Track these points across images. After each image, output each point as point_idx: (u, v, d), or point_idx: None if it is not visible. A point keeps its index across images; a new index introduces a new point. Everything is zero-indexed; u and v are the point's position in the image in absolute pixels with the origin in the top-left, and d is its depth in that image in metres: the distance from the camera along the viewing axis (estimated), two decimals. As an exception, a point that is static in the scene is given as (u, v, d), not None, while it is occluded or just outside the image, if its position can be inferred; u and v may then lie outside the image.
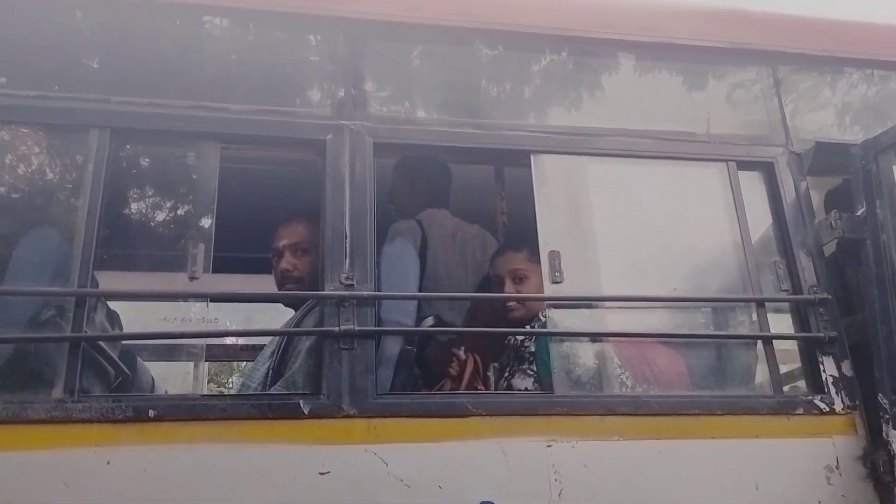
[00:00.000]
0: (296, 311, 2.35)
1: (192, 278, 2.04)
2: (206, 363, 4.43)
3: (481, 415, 1.99)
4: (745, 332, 2.30)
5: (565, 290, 2.20)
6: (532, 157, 2.31)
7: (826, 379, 2.21)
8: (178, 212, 2.31)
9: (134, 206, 2.41)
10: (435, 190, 2.79)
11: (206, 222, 2.12)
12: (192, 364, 2.51)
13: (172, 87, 2.20)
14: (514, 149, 2.36)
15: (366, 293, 2.06)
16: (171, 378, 2.77)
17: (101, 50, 2.25)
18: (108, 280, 2.42)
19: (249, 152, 2.59)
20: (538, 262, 2.30)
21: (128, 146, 2.22)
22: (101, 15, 2.23)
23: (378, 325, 2.11)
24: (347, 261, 2.09)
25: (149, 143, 2.22)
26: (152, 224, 2.48)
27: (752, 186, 2.43)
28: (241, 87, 2.25)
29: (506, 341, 2.45)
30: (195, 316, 2.26)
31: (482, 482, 1.93)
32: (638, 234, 2.37)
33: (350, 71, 2.30)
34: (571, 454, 1.98)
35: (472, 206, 3.27)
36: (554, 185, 2.31)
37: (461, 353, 2.34)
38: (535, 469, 1.95)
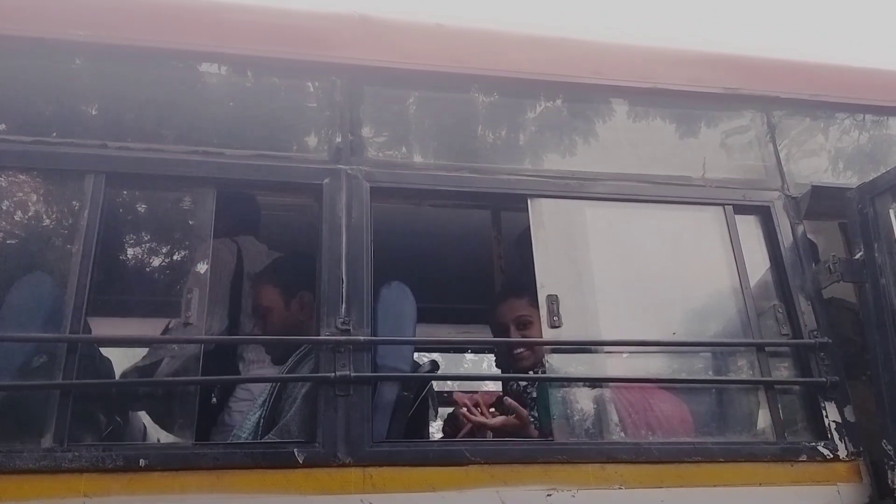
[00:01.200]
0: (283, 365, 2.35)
1: (186, 324, 2.01)
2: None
3: (479, 463, 1.95)
4: (745, 377, 2.27)
5: (564, 334, 2.18)
6: (529, 200, 2.31)
7: (829, 425, 2.18)
8: (174, 257, 2.30)
9: (129, 251, 2.40)
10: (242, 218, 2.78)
11: (202, 267, 2.10)
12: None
13: (169, 132, 2.21)
14: (511, 192, 2.36)
15: (362, 338, 2.03)
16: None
17: (98, 95, 2.25)
18: (102, 326, 2.40)
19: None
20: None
21: (124, 191, 2.21)
22: (98, 60, 2.24)
23: (374, 371, 2.09)
24: (343, 305, 2.07)
25: (144, 189, 2.22)
26: (147, 269, 2.47)
27: (749, 230, 2.42)
28: (238, 132, 2.25)
29: (509, 387, 2.42)
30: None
31: (481, 532, 1.88)
32: (636, 278, 2.36)
33: (347, 116, 2.30)
34: (572, 503, 1.94)
35: (469, 252, 3.28)
36: (551, 228, 2.31)
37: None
38: (536, 519, 1.91)
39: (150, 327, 2.43)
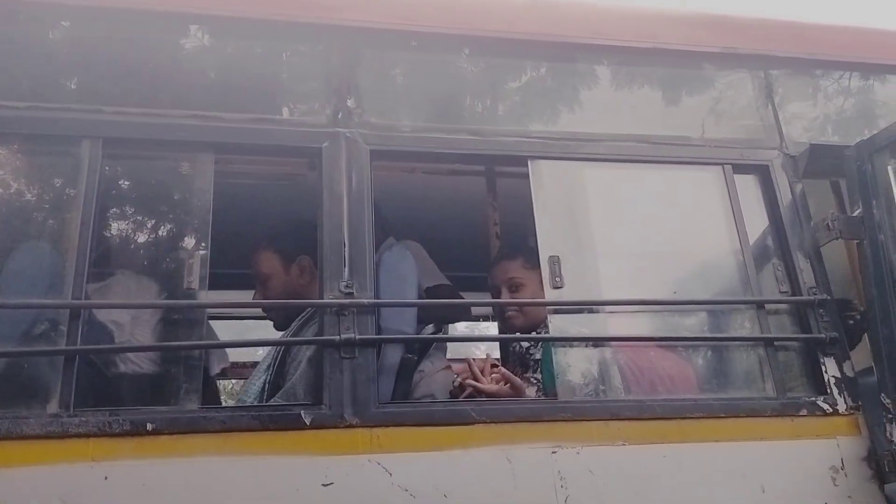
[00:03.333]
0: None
1: (188, 289, 2.01)
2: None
3: (485, 422, 1.97)
4: (745, 334, 2.29)
5: (566, 295, 2.19)
6: (529, 162, 2.31)
7: (828, 380, 2.20)
8: (173, 223, 2.28)
9: (127, 217, 2.37)
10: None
11: (202, 233, 2.09)
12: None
13: (166, 96, 2.18)
14: (511, 154, 2.36)
15: (366, 301, 2.03)
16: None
17: (94, 60, 2.22)
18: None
19: (244, 167, 2.58)
20: (534, 268, 2.29)
21: (121, 157, 2.19)
22: (93, 25, 2.21)
23: (378, 334, 2.09)
24: (346, 269, 2.07)
25: (142, 154, 2.19)
26: (146, 236, 2.45)
27: (748, 189, 2.43)
28: (236, 96, 2.23)
29: (511, 348, 2.44)
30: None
31: (487, 490, 1.91)
32: (636, 238, 2.37)
33: (345, 79, 2.29)
34: (577, 460, 1.96)
35: (465, 219, 3.28)
36: (552, 190, 2.31)
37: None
38: (541, 476, 1.93)
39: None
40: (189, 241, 2.10)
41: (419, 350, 2.32)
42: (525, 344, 2.44)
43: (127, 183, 2.37)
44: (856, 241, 2.34)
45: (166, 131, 2.12)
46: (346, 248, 2.08)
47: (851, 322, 2.37)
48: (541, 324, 2.39)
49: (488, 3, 2.52)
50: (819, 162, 2.45)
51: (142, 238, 2.44)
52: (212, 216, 2.09)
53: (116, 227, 2.44)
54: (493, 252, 2.95)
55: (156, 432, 1.82)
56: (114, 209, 2.36)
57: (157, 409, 1.94)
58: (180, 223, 2.24)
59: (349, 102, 2.26)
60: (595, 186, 2.37)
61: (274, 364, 2.18)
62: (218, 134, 2.14)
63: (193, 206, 2.12)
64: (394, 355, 2.16)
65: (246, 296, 2.65)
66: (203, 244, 2.07)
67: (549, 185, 2.31)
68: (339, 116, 2.24)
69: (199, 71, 2.26)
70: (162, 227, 2.35)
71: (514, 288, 2.49)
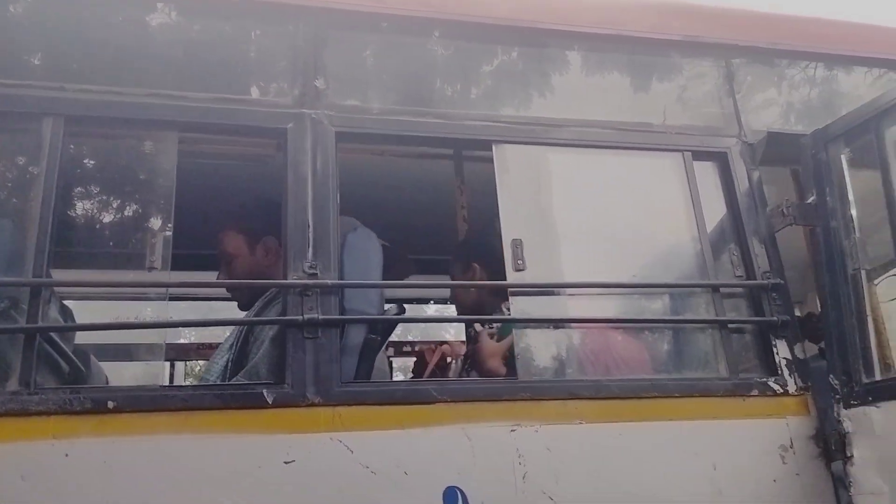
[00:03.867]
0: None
1: (150, 268, 2.01)
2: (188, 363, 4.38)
3: (446, 401, 2.00)
4: (701, 317, 2.35)
5: (527, 277, 2.22)
6: (494, 146, 2.33)
7: (779, 361, 2.27)
8: (136, 202, 2.27)
9: (90, 196, 2.36)
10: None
11: (165, 213, 2.09)
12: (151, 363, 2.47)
13: (129, 74, 2.16)
14: (475, 138, 2.38)
15: (329, 282, 2.05)
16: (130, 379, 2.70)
17: (57, 36, 2.19)
18: (62, 276, 2.36)
19: (208, 146, 2.57)
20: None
21: (84, 135, 2.17)
22: (55, 1, 2.18)
23: (342, 315, 2.11)
24: (311, 250, 2.08)
25: (105, 132, 2.17)
26: (108, 216, 2.44)
27: (707, 176, 2.48)
28: (201, 75, 2.22)
29: (468, 332, 2.48)
30: (153, 314, 2.22)
31: (447, 468, 1.94)
32: (597, 223, 2.41)
33: (312, 60, 2.29)
34: (535, 438, 2.01)
35: (433, 200, 3.30)
36: (515, 174, 2.33)
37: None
38: (500, 453, 1.97)
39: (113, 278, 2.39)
40: (152, 221, 2.10)
41: (383, 331, 2.34)
42: (478, 327, 2.49)
43: (89, 161, 2.35)
44: (809, 228, 2.40)
45: (130, 109, 2.10)
46: (311, 230, 2.10)
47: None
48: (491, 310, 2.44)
49: (456, -14, 2.53)
50: (776, 150, 2.51)
51: (104, 217, 2.42)
52: (176, 195, 2.08)
53: (79, 206, 2.43)
54: (461, 235, 2.98)
55: (117, 410, 1.83)
56: (76, 187, 2.35)
57: (119, 388, 1.94)
58: (143, 202, 2.23)
59: (316, 83, 2.26)
60: (558, 171, 2.41)
61: (237, 343, 2.19)
62: (182, 113, 2.13)
63: (157, 186, 2.12)
64: (357, 336, 2.18)
65: (210, 277, 2.65)
66: (166, 224, 2.08)
67: (513, 169, 2.34)
68: (305, 97, 2.24)
69: (165, 49, 2.24)
70: (125, 206, 2.34)
71: None
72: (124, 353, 2.65)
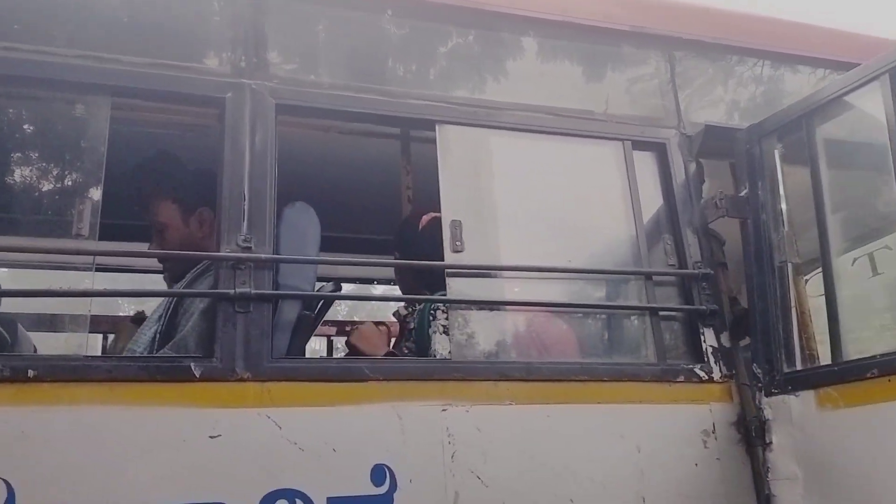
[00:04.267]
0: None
1: (77, 236, 1.95)
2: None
3: (378, 379, 2.00)
4: (633, 303, 2.40)
5: (465, 259, 2.23)
6: (437, 126, 2.33)
7: (706, 349, 2.33)
8: (65, 168, 2.19)
9: (14, 160, 2.26)
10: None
11: (95, 180, 2.02)
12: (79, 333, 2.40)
13: (61, 33, 2.08)
14: (419, 118, 2.37)
15: (263, 256, 2.02)
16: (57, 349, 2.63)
17: (-19, -10, 2.10)
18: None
19: (144, 113, 2.49)
20: None
21: (10, 96, 2.09)
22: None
23: (276, 290, 2.09)
24: (245, 223, 2.05)
25: (33, 93, 2.09)
26: (34, 182, 2.35)
27: (646, 165, 2.52)
28: (136, 38, 2.15)
29: (394, 314, 2.49)
30: (81, 284, 2.15)
31: (376, 446, 1.95)
32: (537, 207, 2.42)
33: (253, 29, 2.24)
34: (465, 418, 2.02)
35: (378, 180, 3.28)
36: (457, 155, 2.33)
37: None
38: (430, 433, 1.99)
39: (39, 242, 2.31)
40: (81, 187, 2.03)
41: (318, 308, 2.32)
42: (403, 312, 2.50)
43: (15, 123, 2.26)
44: (741, 220, 2.46)
45: (59, 70, 2.03)
46: (246, 202, 2.06)
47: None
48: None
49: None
50: (713, 143, 2.56)
51: (31, 181, 2.33)
52: (109, 163, 2.02)
53: (3, 170, 2.33)
54: (405, 215, 2.97)
55: (37, 379, 1.78)
56: (0, 149, 2.25)
57: (40, 356, 1.89)
58: (72, 168, 2.16)
59: (257, 53, 2.22)
60: (500, 154, 2.41)
61: (166, 315, 2.15)
62: (115, 77, 2.06)
63: (87, 151, 2.05)
64: (291, 312, 2.16)
65: (142, 248, 2.58)
66: (95, 191, 2.01)
67: (455, 151, 2.34)
68: (246, 67, 2.19)
69: (101, 9, 2.16)
70: (53, 171, 2.26)
71: None
72: (50, 322, 2.58)
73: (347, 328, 4.54)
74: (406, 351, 2.40)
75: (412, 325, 2.46)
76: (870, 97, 2.15)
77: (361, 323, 2.58)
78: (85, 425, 1.78)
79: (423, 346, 2.25)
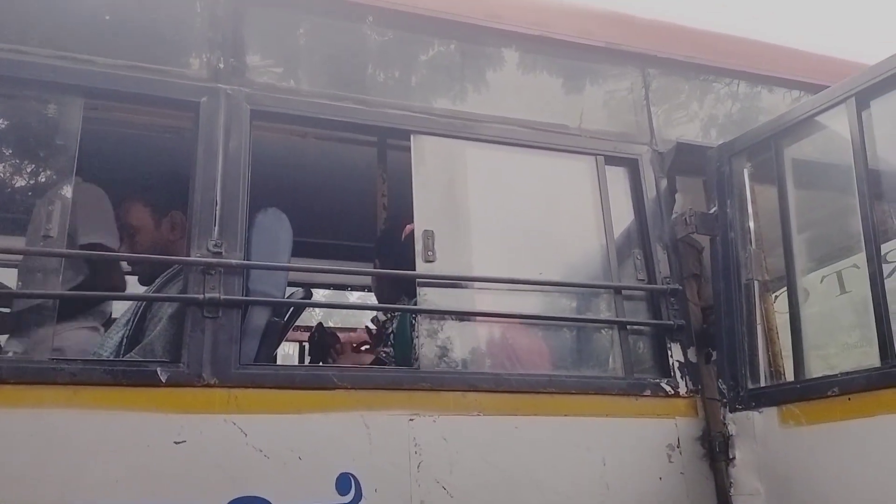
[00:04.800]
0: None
1: (46, 237, 1.93)
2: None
3: (346, 388, 2.00)
4: (602, 317, 2.42)
5: (437, 269, 2.24)
6: (412, 137, 2.34)
7: (673, 364, 2.36)
8: (35, 169, 2.17)
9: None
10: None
11: (65, 181, 2.00)
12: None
13: (35, 33, 2.07)
14: (394, 127, 2.38)
15: (234, 262, 2.02)
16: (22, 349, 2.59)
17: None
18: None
19: (118, 114, 2.48)
20: None
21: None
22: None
23: (246, 296, 2.08)
24: (216, 228, 2.04)
25: (6, 93, 2.07)
26: (4, 181, 2.33)
27: (618, 181, 2.55)
28: (111, 40, 2.14)
29: (372, 320, 2.49)
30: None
31: (342, 454, 1.95)
32: (510, 219, 2.44)
33: (230, 34, 2.24)
34: (432, 428, 2.03)
35: (354, 187, 3.29)
36: (432, 166, 2.35)
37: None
38: (396, 442, 1.99)
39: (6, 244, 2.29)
40: (50, 188, 2.01)
41: (287, 314, 2.32)
42: (382, 317, 2.50)
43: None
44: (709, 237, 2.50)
45: (32, 70, 2.01)
46: (218, 207, 2.06)
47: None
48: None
49: (386, -26, 2.51)
50: (685, 160, 2.60)
51: (1, 179, 2.32)
52: (82, 163, 2.00)
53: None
54: (380, 224, 2.98)
55: (1, 381, 1.76)
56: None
57: (4, 358, 1.87)
58: (43, 168, 2.14)
59: (232, 59, 2.22)
60: (474, 166, 2.43)
61: (134, 319, 2.13)
62: (88, 78, 2.05)
63: (57, 151, 2.03)
64: (260, 318, 2.15)
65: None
66: (66, 192, 2.00)
67: (429, 161, 2.35)
68: (221, 72, 2.19)
69: (72, 9, 2.14)
70: (23, 171, 2.24)
71: None
72: (15, 322, 2.54)
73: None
74: (384, 355, 2.41)
75: (390, 330, 2.47)
76: (836, 119, 2.20)
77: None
78: (49, 428, 1.76)
79: (401, 352, 2.25)
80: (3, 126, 2.22)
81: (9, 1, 2.11)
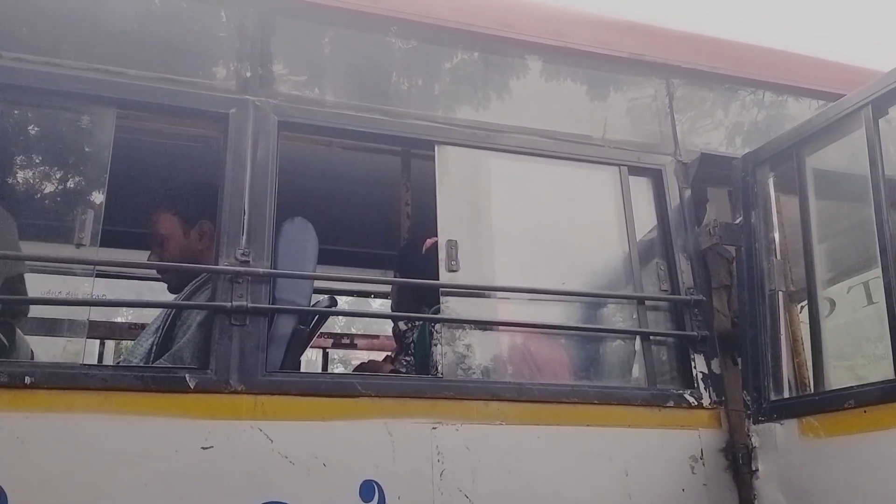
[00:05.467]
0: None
1: (78, 245, 1.98)
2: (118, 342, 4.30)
3: (370, 395, 2.03)
4: (625, 327, 2.42)
5: (460, 278, 2.26)
6: (436, 147, 2.36)
7: (696, 375, 2.35)
8: (68, 178, 2.23)
9: (20, 169, 2.30)
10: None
11: (97, 190, 2.06)
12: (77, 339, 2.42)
13: (70, 47, 2.13)
14: (419, 138, 2.40)
15: (261, 270, 2.05)
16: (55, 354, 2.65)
17: (-6, 3, 2.15)
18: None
19: (153, 124, 2.54)
20: None
21: (17, 105, 2.13)
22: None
23: (272, 304, 2.11)
24: (244, 237, 2.08)
25: (41, 105, 2.13)
26: (38, 189, 2.38)
27: (641, 191, 2.56)
28: (144, 53, 2.19)
29: (393, 330, 2.52)
30: (80, 290, 2.19)
31: (366, 461, 1.97)
32: (533, 229, 2.46)
33: (258, 47, 2.28)
34: (455, 436, 2.05)
35: (378, 197, 3.32)
36: (456, 176, 2.37)
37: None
38: (419, 450, 2.01)
39: (41, 251, 2.35)
40: (83, 196, 2.07)
41: (312, 322, 2.35)
42: (403, 326, 2.52)
43: (24, 131, 2.30)
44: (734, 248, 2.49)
45: (67, 82, 2.07)
46: (246, 217, 2.10)
47: None
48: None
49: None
50: (708, 170, 2.60)
51: (35, 188, 2.37)
52: (113, 170, 2.05)
53: (10, 175, 2.37)
54: (404, 232, 3.01)
55: (34, 386, 1.80)
56: (7, 158, 2.29)
57: (38, 363, 1.91)
58: (76, 177, 2.19)
59: (260, 71, 2.26)
60: (498, 176, 2.45)
61: (163, 327, 2.17)
62: (122, 90, 2.10)
63: (91, 162, 2.09)
64: (286, 326, 2.18)
65: (143, 255, 2.62)
66: (98, 200, 2.05)
67: (453, 171, 2.37)
68: (250, 84, 2.24)
69: (106, 24, 2.19)
70: (57, 179, 2.29)
71: None
72: (49, 327, 2.60)
73: (345, 340, 4.58)
74: (404, 364, 2.43)
75: (411, 340, 2.49)
76: (855, 127, 2.19)
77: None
78: (80, 433, 1.80)
79: (422, 360, 2.28)
80: (39, 136, 2.28)
81: (44, 16, 2.17)
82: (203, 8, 2.32)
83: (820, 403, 2.12)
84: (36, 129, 2.24)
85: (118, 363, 2.19)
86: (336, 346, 4.56)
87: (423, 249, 2.53)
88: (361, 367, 2.85)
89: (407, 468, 1.98)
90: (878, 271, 2.71)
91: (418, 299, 2.52)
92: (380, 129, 2.36)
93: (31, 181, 2.32)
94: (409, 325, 2.52)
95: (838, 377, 2.26)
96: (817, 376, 2.17)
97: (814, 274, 2.24)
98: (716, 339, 2.42)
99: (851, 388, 2.05)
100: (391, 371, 2.50)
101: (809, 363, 2.32)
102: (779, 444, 2.20)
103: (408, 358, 2.45)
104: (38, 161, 2.30)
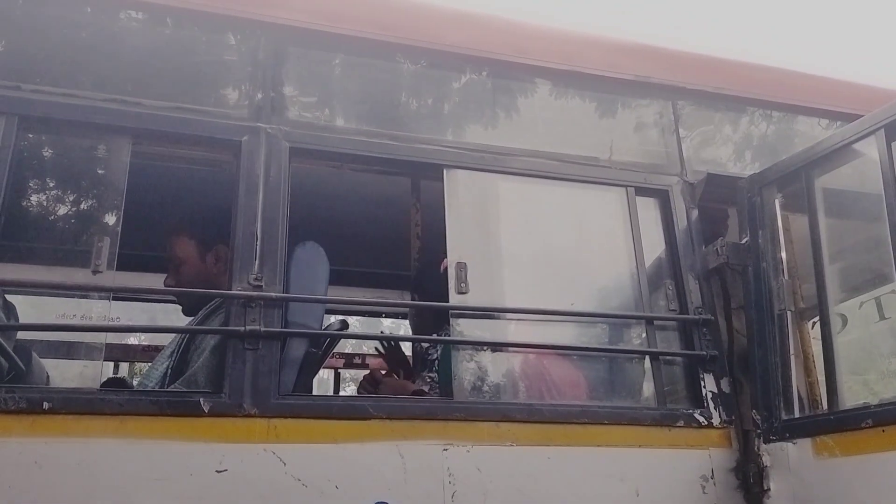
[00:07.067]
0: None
1: (95, 272, 2.02)
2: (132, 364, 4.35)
3: (381, 418, 2.05)
4: (634, 347, 2.44)
5: (469, 300, 2.28)
6: (445, 171, 2.40)
7: (706, 394, 2.36)
8: (85, 205, 2.28)
9: (39, 196, 2.36)
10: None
11: (113, 217, 2.10)
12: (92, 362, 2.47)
13: (86, 78, 2.18)
14: (427, 162, 2.44)
15: (273, 294, 2.09)
16: (71, 378, 2.69)
17: (13, 36, 2.20)
18: (7, 272, 2.37)
19: (167, 149, 2.59)
20: None
21: (37, 135, 2.18)
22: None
23: (285, 328, 2.14)
24: (257, 262, 2.12)
25: (59, 133, 2.18)
26: (57, 216, 2.44)
27: (648, 211, 2.58)
28: (158, 83, 2.24)
29: (414, 349, 2.54)
30: (96, 314, 2.23)
31: (378, 483, 1.98)
32: (541, 251, 2.49)
33: (269, 75, 2.33)
34: (466, 458, 2.06)
35: (388, 218, 3.36)
36: (464, 199, 2.40)
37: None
38: (431, 472, 2.02)
39: (58, 275, 2.39)
40: (100, 223, 2.11)
41: (324, 345, 2.38)
42: (425, 344, 2.55)
43: (42, 160, 2.35)
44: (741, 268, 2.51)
45: (84, 113, 2.12)
46: (259, 242, 2.13)
47: None
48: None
49: (417, 13, 2.59)
50: (715, 190, 2.62)
51: (53, 215, 2.43)
52: (129, 197, 2.09)
53: (29, 202, 2.43)
54: (414, 252, 3.04)
55: (52, 411, 1.84)
56: (27, 186, 2.35)
57: (55, 389, 1.95)
58: (92, 205, 2.24)
59: (273, 98, 2.31)
60: (506, 198, 2.48)
61: (178, 351, 2.21)
62: (136, 120, 2.15)
63: (107, 189, 2.13)
64: (298, 349, 2.21)
65: (158, 279, 2.66)
66: (114, 227, 2.09)
67: (462, 194, 2.40)
68: (262, 111, 2.28)
69: (122, 55, 2.25)
70: (74, 206, 2.35)
71: None
72: (65, 351, 2.65)
73: (356, 360, 4.60)
74: (428, 381, 2.44)
75: (434, 357, 2.51)
76: (867, 150, 2.21)
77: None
78: (96, 457, 1.83)
79: (446, 378, 2.29)
80: (58, 165, 2.33)
81: (62, 48, 2.22)
82: (216, 38, 2.38)
83: (835, 423, 2.13)
84: (55, 158, 2.29)
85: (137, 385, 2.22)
86: (347, 366, 4.59)
87: (442, 269, 2.56)
88: (365, 379, 2.85)
89: (419, 490, 2.00)
90: (890, 287, 2.72)
91: (439, 319, 2.54)
92: (389, 154, 2.40)
93: (50, 208, 2.37)
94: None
95: (852, 393, 2.27)
96: (831, 395, 2.17)
97: (826, 293, 2.25)
98: (735, 359, 2.44)
99: (869, 406, 2.06)
100: (415, 392, 2.51)
101: (822, 381, 2.32)
102: (791, 463, 2.20)
103: (432, 374, 2.47)
104: (56, 189, 2.35)
